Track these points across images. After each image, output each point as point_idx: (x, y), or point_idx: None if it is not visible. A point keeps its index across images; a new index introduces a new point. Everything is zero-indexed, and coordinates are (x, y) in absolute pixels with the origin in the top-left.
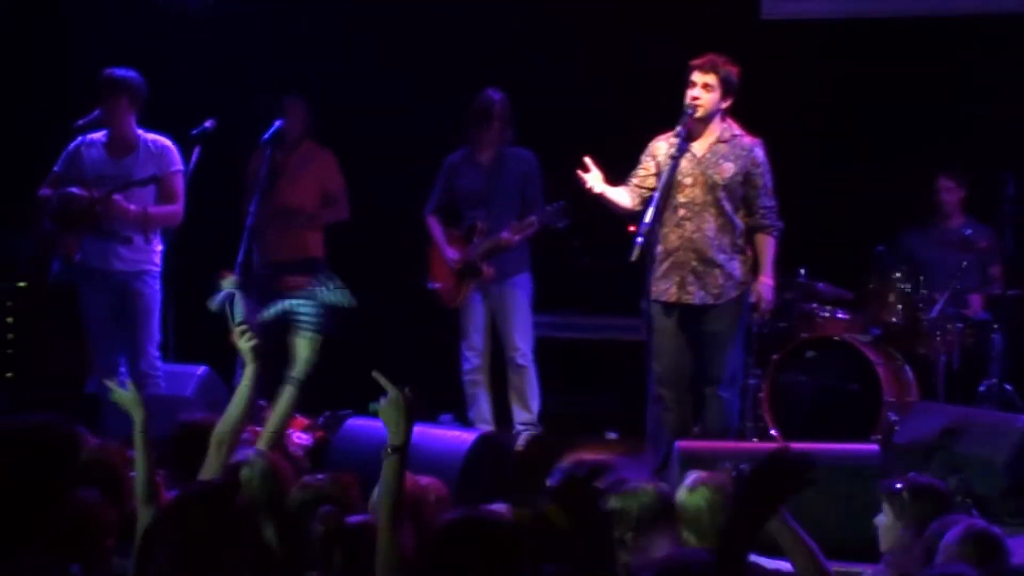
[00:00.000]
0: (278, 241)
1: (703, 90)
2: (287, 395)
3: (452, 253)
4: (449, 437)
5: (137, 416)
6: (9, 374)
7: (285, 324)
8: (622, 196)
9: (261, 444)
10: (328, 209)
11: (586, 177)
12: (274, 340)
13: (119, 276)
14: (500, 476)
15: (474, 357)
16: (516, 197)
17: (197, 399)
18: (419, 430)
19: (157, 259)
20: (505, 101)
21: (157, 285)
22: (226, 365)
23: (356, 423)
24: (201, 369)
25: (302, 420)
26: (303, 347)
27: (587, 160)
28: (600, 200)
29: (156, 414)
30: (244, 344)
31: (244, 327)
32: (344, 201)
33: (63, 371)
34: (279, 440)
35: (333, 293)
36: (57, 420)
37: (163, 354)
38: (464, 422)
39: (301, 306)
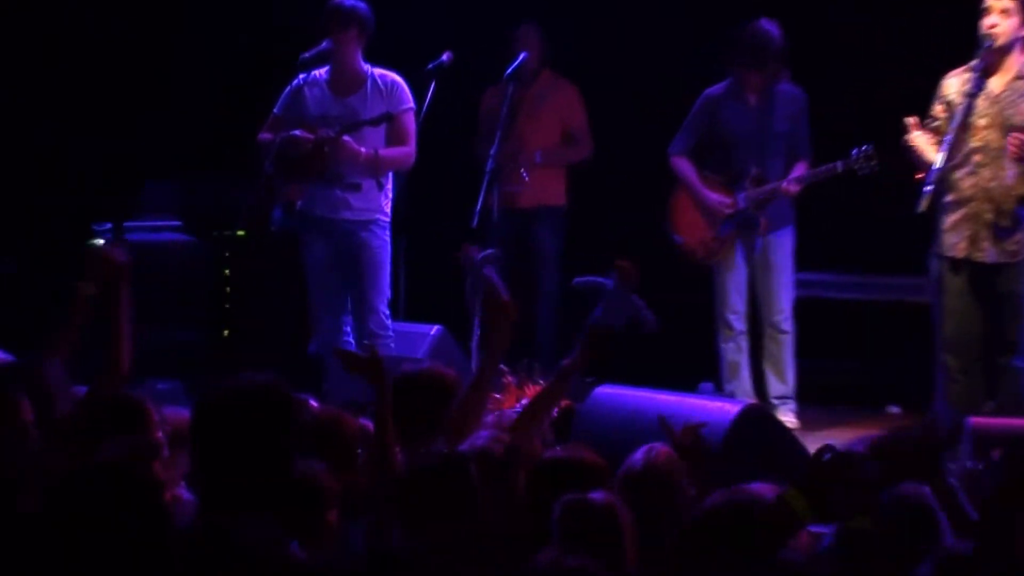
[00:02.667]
0: (516, 186)
1: (1000, 16)
2: (556, 387)
3: (717, 198)
4: (711, 408)
5: (378, 385)
6: (226, 331)
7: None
8: (928, 149)
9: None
10: (569, 148)
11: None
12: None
13: (346, 226)
14: (767, 454)
15: (737, 322)
16: (785, 139)
17: (430, 362)
18: (677, 399)
19: (387, 207)
20: (783, 37)
21: (387, 236)
22: (461, 325)
23: (605, 392)
24: (435, 329)
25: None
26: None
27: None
28: (912, 153)
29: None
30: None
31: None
32: (587, 139)
33: (283, 329)
34: (532, 424)
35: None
36: (279, 382)
37: (393, 312)
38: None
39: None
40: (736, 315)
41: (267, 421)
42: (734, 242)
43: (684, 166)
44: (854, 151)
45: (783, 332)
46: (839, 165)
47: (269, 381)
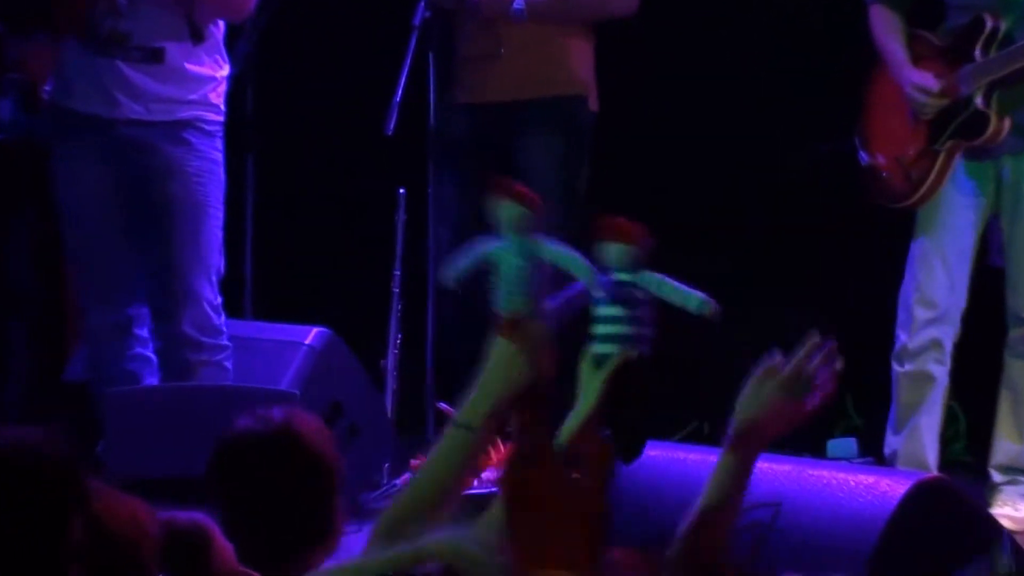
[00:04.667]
0: (484, 62)
1: None
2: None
3: (919, 77)
4: (856, 489)
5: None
6: None
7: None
8: None
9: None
10: None
11: None
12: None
13: (136, 133)
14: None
15: (933, 327)
16: None
17: (305, 393)
18: (793, 469)
19: (217, 96)
20: None
21: (217, 154)
22: (363, 326)
23: (656, 455)
24: (313, 335)
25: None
26: (590, 380)
27: None
28: None
29: (207, 422)
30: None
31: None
32: None
33: (14, 336)
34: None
35: (669, 289)
36: (54, 444)
37: (233, 303)
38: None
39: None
40: (931, 311)
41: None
42: (950, 163)
43: (883, 21)
44: None
45: None
46: None
47: (36, 445)
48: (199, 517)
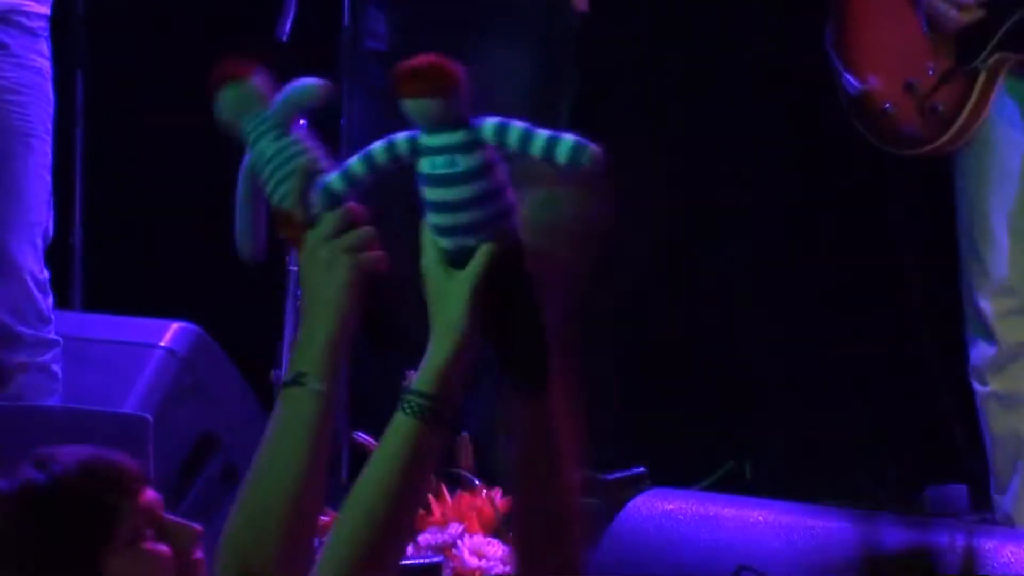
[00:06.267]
0: None
1: None
2: (405, 440)
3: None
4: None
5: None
6: None
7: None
8: None
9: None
10: None
11: None
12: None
13: None
14: None
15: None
16: None
17: (161, 417)
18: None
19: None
20: None
21: (44, 60)
22: (251, 320)
23: (663, 502)
24: (172, 333)
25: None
26: (445, 290)
27: None
28: None
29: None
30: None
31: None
32: None
33: None
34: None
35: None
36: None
37: (61, 288)
38: None
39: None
40: (1010, 298)
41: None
42: (992, 86)
43: None
44: None
45: None
46: None
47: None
48: None
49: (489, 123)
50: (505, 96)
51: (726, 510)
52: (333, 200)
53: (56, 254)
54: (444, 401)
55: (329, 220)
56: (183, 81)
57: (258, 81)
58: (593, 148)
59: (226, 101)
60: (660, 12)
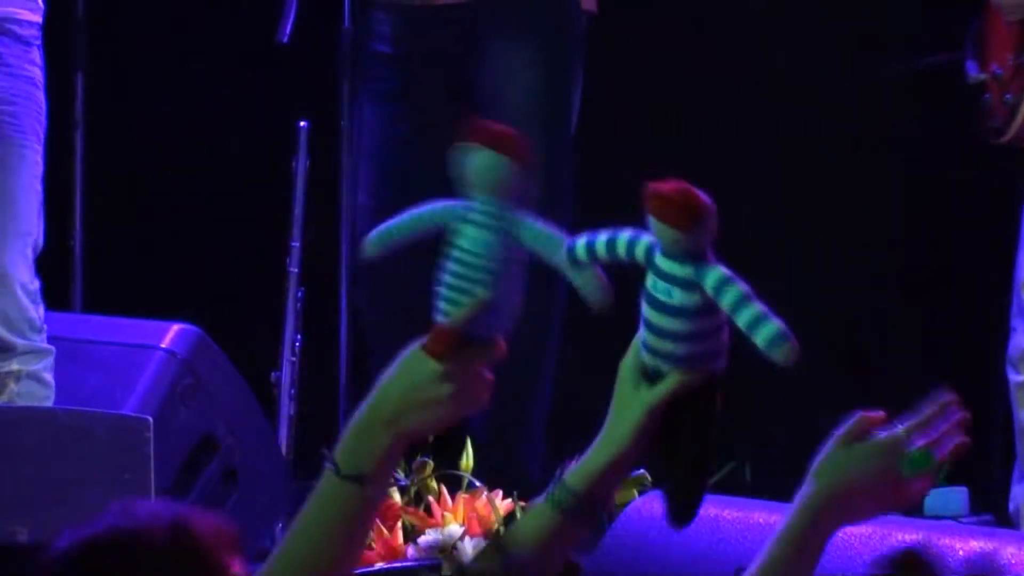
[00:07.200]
0: None
1: None
2: (543, 528)
3: None
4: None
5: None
6: None
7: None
8: None
9: None
10: None
11: None
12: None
13: None
14: None
15: None
16: None
17: (161, 420)
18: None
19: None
20: None
21: (36, 69)
22: (253, 322)
23: (650, 505)
24: (173, 335)
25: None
26: (630, 400)
27: None
28: None
29: (15, 467)
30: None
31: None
32: None
33: None
34: None
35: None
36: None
37: (53, 291)
38: None
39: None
40: None
41: None
42: None
43: None
44: None
45: None
46: None
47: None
48: None
49: (715, 273)
50: (515, 96)
51: (726, 512)
52: (578, 266)
53: (56, 255)
54: (588, 502)
55: (472, 353)
56: (183, 82)
57: (521, 160)
58: (792, 345)
59: (480, 164)
60: (662, 12)
